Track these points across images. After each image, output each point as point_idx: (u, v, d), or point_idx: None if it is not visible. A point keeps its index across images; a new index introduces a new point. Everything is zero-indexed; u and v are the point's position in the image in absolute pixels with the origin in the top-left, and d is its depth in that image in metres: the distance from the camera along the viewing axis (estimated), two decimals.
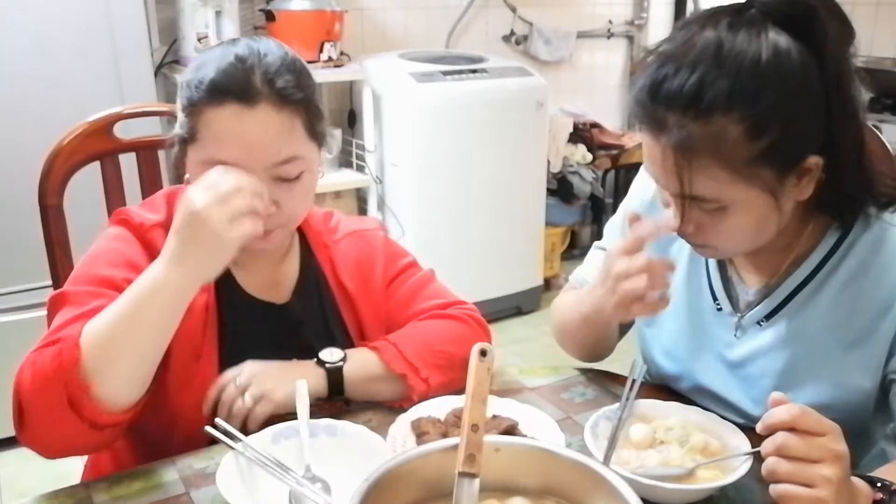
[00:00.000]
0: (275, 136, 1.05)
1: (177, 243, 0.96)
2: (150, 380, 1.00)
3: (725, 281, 1.13)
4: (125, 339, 0.95)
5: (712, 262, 1.14)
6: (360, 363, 1.15)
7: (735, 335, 1.12)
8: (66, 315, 1.02)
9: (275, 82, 1.05)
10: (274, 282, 1.21)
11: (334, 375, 1.13)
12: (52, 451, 0.99)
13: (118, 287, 1.04)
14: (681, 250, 1.18)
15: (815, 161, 0.94)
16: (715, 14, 0.94)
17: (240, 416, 1.05)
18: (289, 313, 1.20)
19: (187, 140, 1.07)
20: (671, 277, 1.05)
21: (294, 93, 1.06)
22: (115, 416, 0.96)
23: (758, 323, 1.09)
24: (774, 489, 0.82)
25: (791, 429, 0.81)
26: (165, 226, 1.11)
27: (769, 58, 0.89)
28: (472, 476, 0.74)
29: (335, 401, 1.14)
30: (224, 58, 1.06)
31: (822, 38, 0.91)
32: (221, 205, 0.94)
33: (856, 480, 0.85)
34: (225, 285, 1.15)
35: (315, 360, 1.14)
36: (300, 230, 1.25)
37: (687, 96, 0.89)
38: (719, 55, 0.89)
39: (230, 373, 1.09)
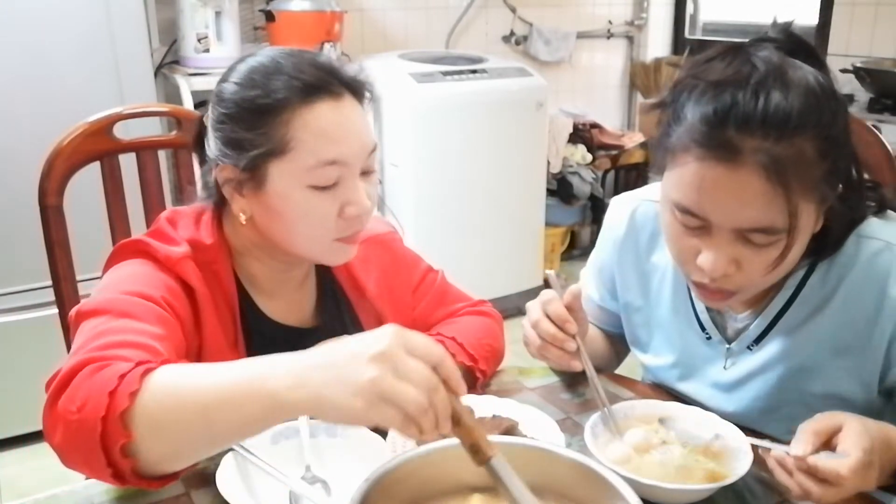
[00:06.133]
0: (366, 123, 1.03)
1: (311, 362, 0.72)
2: (191, 463, 0.82)
3: (711, 310, 1.13)
4: (191, 421, 0.75)
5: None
6: None
7: (725, 364, 1.12)
8: (99, 325, 0.88)
9: (340, 73, 1.02)
10: (295, 305, 1.17)
11: None
12: (68, 464, 0.82)
13: (156, 301, 0.95)
14: (662, 284, 1.18)
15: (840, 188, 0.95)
16: (742, 46, 0.93)
17: None
18: (316, 336, 1.08)
19: (272, 154, 0.98)
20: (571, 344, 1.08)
21: (358, 82, 1.05)
22: (139, 481, 0.79)
23: (748, 347, 1.10)
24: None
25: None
26: (193, 257, 1.04)
27: (818, 79, 0.90)
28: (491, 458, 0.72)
29: None
30: (284, 64, 0.99)
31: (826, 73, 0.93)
32: (397, 374, 0.68)
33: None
34: (250, 315, 1.11)
35: None
36: None
37: (772, 118, 0.86)
38: (784, 76, 0.88)
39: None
